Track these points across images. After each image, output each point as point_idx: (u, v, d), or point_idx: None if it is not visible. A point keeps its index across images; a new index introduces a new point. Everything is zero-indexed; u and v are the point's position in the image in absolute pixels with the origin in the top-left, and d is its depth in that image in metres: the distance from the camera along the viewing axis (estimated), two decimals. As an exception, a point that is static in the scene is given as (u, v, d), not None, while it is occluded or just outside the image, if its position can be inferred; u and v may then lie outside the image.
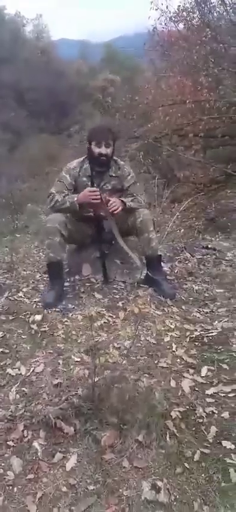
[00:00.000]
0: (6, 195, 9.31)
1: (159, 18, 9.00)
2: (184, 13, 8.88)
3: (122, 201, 3.03)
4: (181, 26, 9.09)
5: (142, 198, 3.19)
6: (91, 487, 1.54)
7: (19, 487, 1.55)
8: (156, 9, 9.00)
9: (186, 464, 1.61)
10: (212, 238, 4.88)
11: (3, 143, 18.49)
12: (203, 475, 1.57)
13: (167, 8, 8.91)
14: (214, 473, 1.57)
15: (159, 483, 1.53)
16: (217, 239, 4.81)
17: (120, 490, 1.53)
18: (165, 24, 9.11)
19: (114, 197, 3.03)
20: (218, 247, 4.03)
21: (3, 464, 1.63)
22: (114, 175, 3.18)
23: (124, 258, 3.26)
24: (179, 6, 8.88)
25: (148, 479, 1.56)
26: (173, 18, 8.97)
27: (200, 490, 1.52)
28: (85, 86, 28.55)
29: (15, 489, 1.54)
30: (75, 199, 2.93)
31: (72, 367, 2.12)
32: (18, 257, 4.02)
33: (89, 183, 3.03)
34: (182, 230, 5.49)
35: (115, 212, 2.95)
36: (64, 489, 1.54)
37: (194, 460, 1.63)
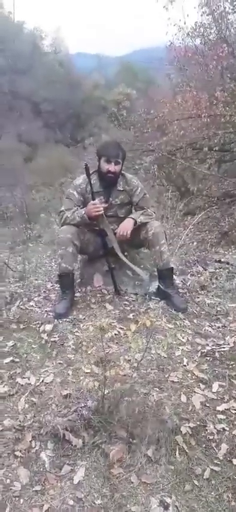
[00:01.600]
0: (20, 205, 9.43)
1: (176, 34, 9.06)
2: (201, 29, 8.95)
3: (132, 218, 3.06)
4: (198, 41, 9.16)
5: (152, 210, 3.19)
6: (98, 501, 1.52)
7: (26, 498, 1.53)
8: (174, 25, 9.06)
9: (196, 482, 1.58)
10: (226, 252, 4.85)
11: (18, 153, 18.73)
12: (213, 493, 1.54)
13: (185, 23, 8.97)
14: (224, 491, 1.54)
15: (168, 500, 1.50)
16: (230, 253, 4.77)
17: (128, 506, 1.50)
18: (182, 39, 9.17)
19: (122, 219, 3.10)
20: (232, 261, 3.99)
21: (10, 474, 1.61)
22: (121, 189, 3.18)
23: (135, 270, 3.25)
24: (197, 22, 8.95)
25: (156, 495, 1.53)
26: (190, 34, 9.02)
27: (209, 508, 1.49)
28: (101, 98, 28.85)
29: (21, 500, 1.52)
30: (83, 212, 2.96)
31: (81, 378, 2.11)
32: (31, 266, 4.05)
33: (96, 199, 3.02)
34: (195, 243, 5.47)
35: (125, 236, 3.00)
36: (71, 502, 1.52)
37: (204, 477, 1.60)
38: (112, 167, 3.05)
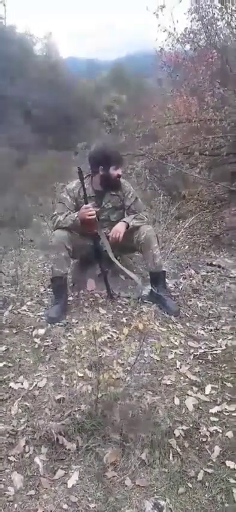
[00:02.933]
0: (12, 209, 9.39)
1: (166, 40, 9.12)
2: (191, 35, 9.02)
3: (124, 221, 3.09)
4: (187, 47, 9.22)
5: (144, 214, 3.22)
6: (92, 505, 1.52)
7: (19, 503, 1.53)
8: (164, 31, 9.13)
9: (189, 484, 1.59)
10: (217, 255, 4.89)
11: (10, 158, 18.67)
12: (206, 495, 1.55)
13: (174, 29, 9.03)
14: (217, 493, 1.55)
15: (162, 502, 1.51)
16: (222, 256, 4.81)
17: (122, 509, 1.51)
18: (172, 45, 9.23)
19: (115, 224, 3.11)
20: (223, 264, 4.03)
21: (4, 479, 1.61)
22: (114, 194, 3.21)
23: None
24: (186, 28, 9.02)
25: (150, 498, 1.54)
26: (180, 40, 9.09)
27: (203, 510, 1.50)
28: (92, 103, 28.90)
29: (15, 505, 1.52)
30: (76, 216, 2.97)
31: (75, 382, 2.11)
32: (23, 271, 4.03)
33: (88, 203, 3.03)
34: (186, 247, 5.50)
35: (118, 239, 3.02)
36: (65, 506, 1.52)
37: (198, 479, 1.61)
38: (120, 171, 3.16)
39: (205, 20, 8.87)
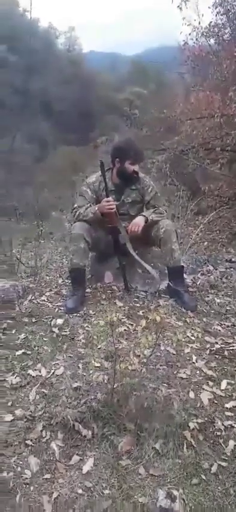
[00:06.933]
0: (32, 203, 9.51)
1: (190, 34, 9.05)
2: (215, 29, 8.92)
3: (144, 215, 3.09)
4: (212, 41, 9.14)
5: (163, 208, 3.22)
6: (106, 491, 1.55)
7: (36, 486, 1.57)
8: (188, 25, 9.06)
9: (203, 476, 1.60)
10: (236, 252, 4.84)
11: (30, 153, 18.87)
12: (219, 487, 1.56)
13: (199, 23, 8.96)
14: (231, 486, 1.56)
15: (175, 492, 1.52)
16: (241, 253, 4.76)
17: (135, 497, 1.53)
18: (196, 39, 9.16)
19: (134, 218, 3.11)
20: (242, 261, 3.99)
21: (21, 462, 1.66)
22: (134, 188, 3.22)
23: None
24: (211, 22, 8.94)
25: (163, 487, 1.55)
26: (204, 34, 9.01)
27: (216, 502, 1.51)
28: (113, 98, 28.87)
29: (31, 488, 1.56)
30: (96, 209, 2.99)
31: (91, 371, 2.14)
32: (42, 262, 4.09)
33: (110, 197, 3.04)
34: (205, 243, 5.47)
35: (136, 232, 3.03)
36: (80, 491, 1.55)
37: (212, 472, 1.62)
38: (137, 167, 3.14)
39: (230, 13, 8.77)
